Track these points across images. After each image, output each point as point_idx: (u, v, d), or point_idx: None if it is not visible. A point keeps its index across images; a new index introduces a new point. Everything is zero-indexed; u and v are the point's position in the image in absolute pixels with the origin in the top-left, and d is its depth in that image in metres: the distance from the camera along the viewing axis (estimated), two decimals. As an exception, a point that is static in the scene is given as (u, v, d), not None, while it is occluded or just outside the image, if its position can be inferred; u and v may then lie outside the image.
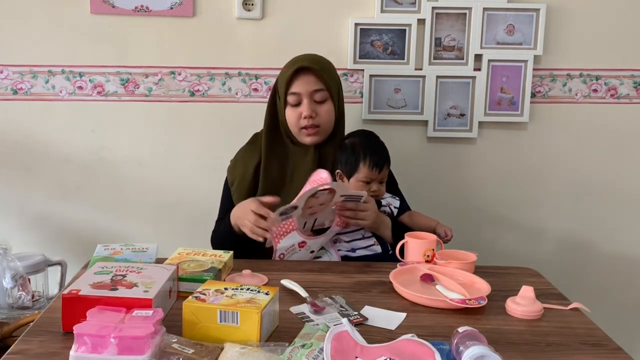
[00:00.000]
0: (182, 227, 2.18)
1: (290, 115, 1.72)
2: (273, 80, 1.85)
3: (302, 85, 1.69)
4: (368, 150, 1.67)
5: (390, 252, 1.64)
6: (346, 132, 1.81)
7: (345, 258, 1.64)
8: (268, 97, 1.82)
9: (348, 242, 1.65)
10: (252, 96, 2.13)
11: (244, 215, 1.57)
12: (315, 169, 1.66)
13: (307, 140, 1.73)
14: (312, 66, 1.69)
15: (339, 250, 1.64)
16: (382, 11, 2.08)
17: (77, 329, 0.95)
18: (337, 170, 1.71)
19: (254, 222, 1.53)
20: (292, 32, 2.09)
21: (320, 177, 1.58)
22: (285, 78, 1.70)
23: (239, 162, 1.82)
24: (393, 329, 1.16)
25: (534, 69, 2.13)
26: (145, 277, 1.15)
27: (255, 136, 1.84)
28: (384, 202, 1.71)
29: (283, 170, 1.75)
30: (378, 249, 1.66)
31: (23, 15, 2.06)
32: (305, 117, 1.69)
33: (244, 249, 1.57)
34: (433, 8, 2.09)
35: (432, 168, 2.21)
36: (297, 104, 1.71)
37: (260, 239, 1.54)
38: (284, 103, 1.73)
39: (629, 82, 2.18)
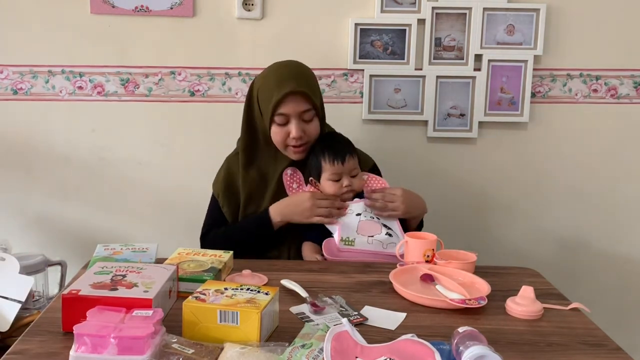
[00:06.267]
0: (182, 227, 2.18)
1: (277, 134, 1.66)
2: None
3: (291, 107, 1.63)
4: (325, 147, 1.68)
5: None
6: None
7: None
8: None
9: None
10: (252, 96, 2.13)
11: (306, 208, 1.63)
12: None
13: (294, 156, 1.70)
14: (302, 90, 1.63)
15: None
16: (382, 11, 2.08)
17: (77, 329, 0.95)
18: (310, 178, 1.69)
19: (331, 205, 1.64)
20: (292, 32, 2.09)
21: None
22: (273, 100, 1.62)
23: (222, 175, 1.80)
24: (393, 329, 1.16)
25: (534, 69, 2.13)
26: (145, 277, 1.16)
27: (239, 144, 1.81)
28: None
29: (264, 178, 1.73)
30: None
31: (23, 15, 2.06)
32: (293, 138, 1.65)
33: (254, 249, 1.66)
34: (433, 8, 2.09)
35: (432, 168, 2.21)
36: (284, 123, 1.65)
37: (335, 222, 1.64)
38: (269, 121, 1.66)
39: (629, 82, 2.18)
